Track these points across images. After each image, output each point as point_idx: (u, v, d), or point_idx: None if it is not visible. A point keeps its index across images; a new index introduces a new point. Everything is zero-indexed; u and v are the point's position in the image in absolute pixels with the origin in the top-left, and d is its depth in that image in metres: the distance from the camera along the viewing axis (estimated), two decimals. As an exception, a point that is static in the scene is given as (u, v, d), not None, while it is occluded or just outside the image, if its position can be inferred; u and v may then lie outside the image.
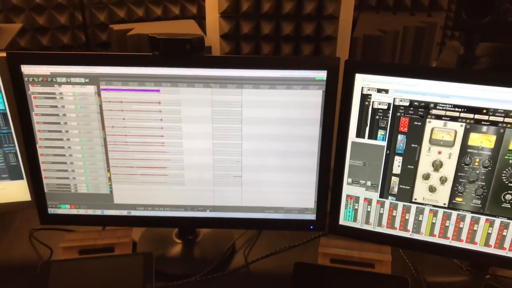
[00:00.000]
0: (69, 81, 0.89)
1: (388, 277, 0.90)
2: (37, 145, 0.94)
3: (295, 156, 0.95)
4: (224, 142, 0.94)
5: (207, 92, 0.89)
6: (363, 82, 0.86)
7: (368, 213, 0.95)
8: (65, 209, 1.00)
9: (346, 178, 0.94)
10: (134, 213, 1.00)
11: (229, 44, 1.90)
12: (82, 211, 1.00)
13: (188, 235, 1.09)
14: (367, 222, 0.96)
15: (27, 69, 0.88)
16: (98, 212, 1.00)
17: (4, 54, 0.88)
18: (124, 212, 1.00)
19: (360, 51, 1.96)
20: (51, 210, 1.00)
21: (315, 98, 0.89)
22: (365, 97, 0.87)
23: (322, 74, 0.88)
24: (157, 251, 1.04)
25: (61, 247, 0.97)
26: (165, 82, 0.89)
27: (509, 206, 0.85)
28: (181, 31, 1.92)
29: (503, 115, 0.79)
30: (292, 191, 0.98)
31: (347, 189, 0.95)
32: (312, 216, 1.00)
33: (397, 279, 0.89)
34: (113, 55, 0.89)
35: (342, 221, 0.98)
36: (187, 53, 0.86)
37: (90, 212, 1.00)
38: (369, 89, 0.86)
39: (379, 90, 0.85)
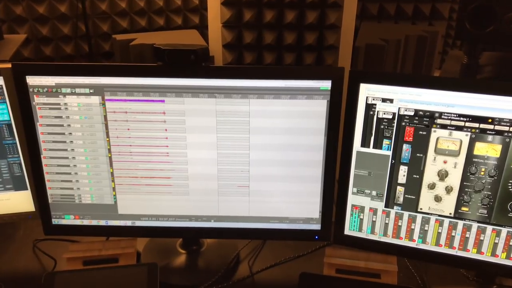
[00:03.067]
0: (74, 91, 0.89)
1: (394, 287, 0.89)
2: (42, 156, 0.94)
3: (300, 165, 0.95)
4: (230, 152, 0.94)
5: (211, 102, 0.89)
6: (367, 91, 0.86)
7: (374, 222, 0.95)
8: (69, 220, 0.99)
9: (351, 188, 0.94)
10: (138, 223, 1.00)
11: (231, 54, 1.90)
12: (86, 222, 1.00)
13: (192, 245, 1.08)
14: (372, 232, 0.95)
15: (32, 80, 0.89)
16: (102, 222, 1.00)
17: (9, 65, 0.89)
18: (128, 223, 1.00)
19: (362, 60, 1.96)
20: (55, 221, 1.00)
21: (319, 108, 0.90)
22: (370, 107, 0.87)
23: (326, 84, 0.88)
24: (162, 261, 1.04)
25: (65, 258, 0.97)
26: (169, 93, 0.89)
27: (516, 216, 0.84)
28: (183, 41, 1.93)
29: (508, 124, 0.79)
30: (297, 201, 0.98)
31: (352, 199, 0.94)
32: (317, 226, 0.99)
33: (403, 290, 0.88)
34: (118, 65, 0.90)
35: (347, 231, 0.97)
36: (191, 63, 0.86)
37: (94, 222, 1.00)
38: (373, 99, 0.86)
39: (384, 100, 0.85)
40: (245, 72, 0.89)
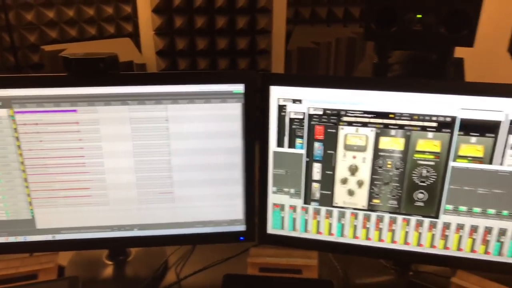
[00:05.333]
0: (-21, 105, 0.86)
1: (313, 281, 0.92)
2: (-51, 173, 0.90)
3: (220, 168, 0.96)
4: (148, 159, 0.93)
5: (124, 110, 0.89)
6: (278, 93, 0.88)
7: (294, 220, 0.97)
8: (-16, 238, 0.96)
9: (270, 187, 0.96)
10: (58, 237, 0.97)
11: (165, 61, 1.90)
12: (2, 239, 0.96)
13: (118, 255, 1.07)
14: (294, 228, 0.98)
15: None
16: (20, 238, 0.97)
17: None
18: (48, 237, 0.97)
19: (295, 63, 2.01)
20: (-32, 241, 0.95)
21: (234, 111, 0.91)
22: (281, 108, 0.89)
23: (239, 88, 0.90)
24: (87, 274, 1.01)
25: (-20, 278, 0.93)
26: (81, 102, 0.88)
27: (422, 205, 0.89)
28: (115, 49, 1.90)
29: (408, 118, 0.84)
30: (220, 204, 0.99)
31: (273, 198, 0.97)
32: (242, 227, 1.01)
33: (322, 283, 0.91)
34: (26, 76, 0.88)
35: (270, 230, 0.99)
36: (101, 71, 0.85)
37: (11, 239, 0.96)
38: (284, 100, 0.89)
39: (294, 101, 0.88)
40: (156, 77, 0.89)
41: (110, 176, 0.93)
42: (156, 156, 0.94)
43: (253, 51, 1.88)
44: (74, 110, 0.88)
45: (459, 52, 1.07)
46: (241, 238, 1.01)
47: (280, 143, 0.92)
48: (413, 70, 1.09)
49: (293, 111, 0.89)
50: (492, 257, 0.90)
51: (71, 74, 0.86)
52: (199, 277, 1.02)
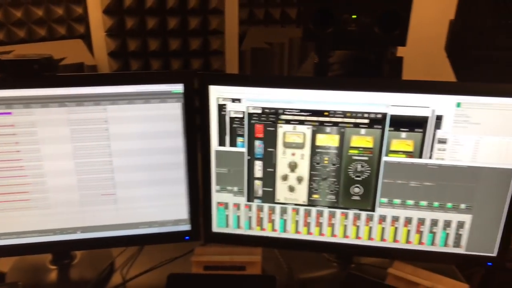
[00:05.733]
0: None
1: (256, 277, 0.93)
2: None
3: (163, 169, 0.96)
4: (89, 160, 0.93)
5: (63, 112, 0.88)
6: (217, 93, 0.90)
7: (238, 217, 0.99)
8: None
9: (214, 186, 0.97)
10: (-2, 242, 0.95)
11: (117, 62, 1.88)
12: None
13: (63, 259, 1.05)
14: (238, 226, 0.99)
15: None
16: (-43, 246, 0.94)
17: None
18: (-13, 243, 0.95)
19: (249, 64, 2.03)
20: None
21: (174, 110, 0.92)
22: (221, 107, 0.90)
23: (178, 88, 0.91)
24: (30, 280, 1.00)
25: None
26: (16, 104, 0.86)
27: (359, 199, 0.92)
28: (66, 51, 1.87)
29: (342, 116, 0.87)
30: (164, 204, 0.99)
31: (217, 197, 0.98)
32: (187, 227, 1.01)
33: (265, 278, 0.93)
34: (-43, 79, 0.85)
35: (215, 228, 1.00)
36: (36, 73, 0.84)
37: None
38: (223, 100, 0.90)
39: (233, 100, 0.90)
40: (95, 79, 0.89)
41: (50, 179, 0.92)
42: (97, 157, 0.93)
43: (206, 51, 1.88)
44: (9, 113, 0.87)
45: (402, 51, 1.11)
46: (187, 237, 1.02)
47: (221, 142, 0.93)
48: (353, 70, 1.13)
49: (233, 110, 0.90)
50: (426, 247, 0.94)
51: (4, 76, 0.85)
52: (145, 278, 1.02)
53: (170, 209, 0.99)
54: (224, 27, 1.89)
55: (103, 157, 0.93)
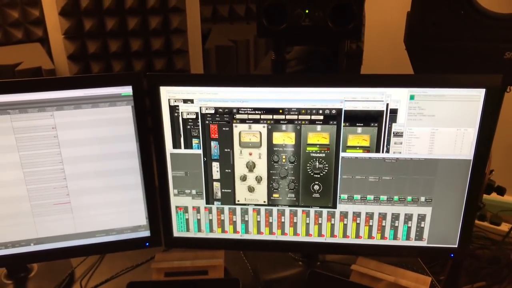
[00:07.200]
0: None
1: (219, 281, 0.91)
2: None
3: (118, 174, 0.93)
4: (39, 169, 0.89)
5: (6, 120, 0.84)
6: (168, 94, 0.87)
7: (199, 221, 0.96)
8: None
9: (172, 190, 0.94)
10: None
11: (77, 65, 1.82)
12: None
13: (19, 273, 1.01)
14: (199, 230, 0.97)
15: None
16: None
17: None
18: None
19: (213, 62, 2.00)
20: None
21: (125, 114, 0.89)
22: (173, 109, 0.88)
23: (127, 90, 0.87)
24: (-17, 296, 0.95)
25: None
26: (-46, 114, 0.82)
27: (319, 196, 0.91)
28: (23, 55, 1.81)
29: (296, 113, 0.85)
30: (120, 211, 0.96)
31: (175, 201, 0.95)
32: (146, 233, 0.98)
33: (228, 282, 0.91)
34: None
35: (176, 233, 0.98)
36: (-27, 80, 0.80)
37: None
38: (175, 101, 0.87)
39: (185, 101, 0.87)
40: (38, 84, 0.85)
41: (-3, 190, 0.88)
42: (48, 166, 0.89)
43: (169, 51, 1.84)
44: None
45: (367, 45, 1.10)
46: (147, 244, 0.99)
47: (176, 144, 0.90)
48: (310, 65, 1.11)
49: (185, 111, 0.88)
50: (388, 242, 0.94)
51: None
52: (105, 287, 0.99)
53: (127, 215, 0.96)
54: (186, 26, 1.85)
55: (54, 165, 0.89)
